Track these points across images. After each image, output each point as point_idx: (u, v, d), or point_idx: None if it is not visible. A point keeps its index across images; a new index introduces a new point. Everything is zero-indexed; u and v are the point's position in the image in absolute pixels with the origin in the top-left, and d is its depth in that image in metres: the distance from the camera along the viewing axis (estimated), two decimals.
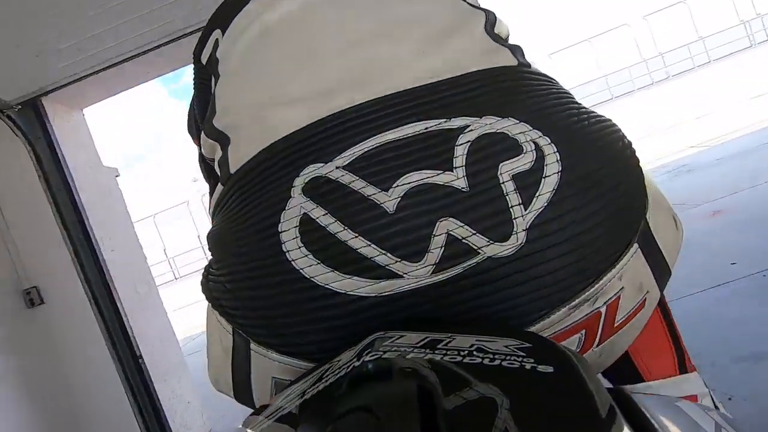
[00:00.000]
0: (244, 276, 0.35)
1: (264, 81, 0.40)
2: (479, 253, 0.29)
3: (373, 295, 0.30)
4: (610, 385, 0.37)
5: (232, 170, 0.38)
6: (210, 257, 0.41)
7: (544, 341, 0.28)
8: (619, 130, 0.37)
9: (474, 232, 0.29)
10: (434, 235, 0.29)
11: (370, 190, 0.30)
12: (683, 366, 0.46)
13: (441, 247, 0.29)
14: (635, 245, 0.34)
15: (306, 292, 0.31)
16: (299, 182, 0.32)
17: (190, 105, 0.56)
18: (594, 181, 0.32)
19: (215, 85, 0.44)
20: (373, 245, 0.30)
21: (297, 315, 0.32)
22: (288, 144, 0.34)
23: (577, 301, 0.31)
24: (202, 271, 0.43)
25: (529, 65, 0.40)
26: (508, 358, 0.24)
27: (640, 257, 0.34)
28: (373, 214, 0.30)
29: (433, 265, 0.29)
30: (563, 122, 0.34)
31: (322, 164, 0.32)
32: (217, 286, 0.37)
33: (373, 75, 0.35)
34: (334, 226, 0.30)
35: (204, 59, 0.48)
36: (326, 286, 0.30)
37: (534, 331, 0.31)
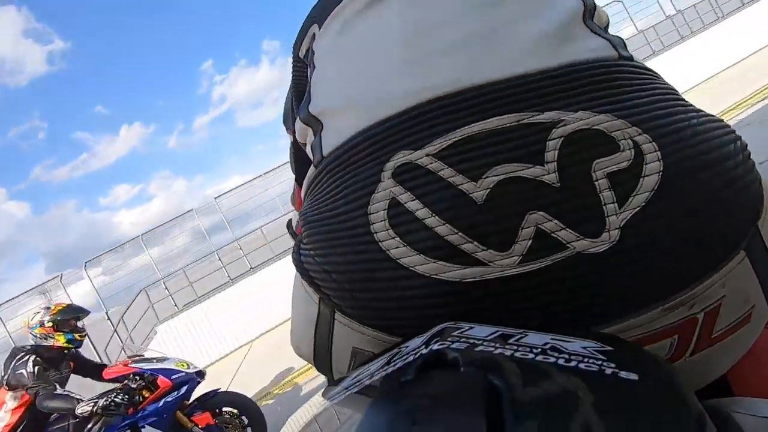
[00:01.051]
0: (333, 252, 0.37)
1: (359, 67, 0.41)
2: (568, 247, 0.29)
3: (457, 280, 0.31)
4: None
5: (325, 153, 0.39)
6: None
7: (629, 345, 0.26)
8: (733, 131, 0.34)
9: (563, 226, 0.29)
10: (522, 227, 0.30)
11: (458, 179, 0.31)
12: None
13: (529, 239, 0.30)
14: (742, 252, 0.31)
15: (391, 272, 0.33)
16: (390, 167, 0.34)
17: (287, 98, 0.60)
18: (698, 183, 0.30)
19: (311, 75, 0.46)
20: (460, 233, 0.31)
21: (381, 291, 0.34)
22: (381, 129, 0.35)
23: (671, 303, 0.30)
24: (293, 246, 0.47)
25: (630, 58, 0.37)
26: (585, 360, 0.23)
27: (746, 266, 0.31)
28: (461, 202, 0.31)
29: (520, 255, 0.30)
30: (666, 119, 0.32)
31: (412, 151, 0.33)
32: (308, 259, 0.40)
33: (465, 64, 0.35)
34: (422, 212, 0.32)
35: (302, 53, 0.51)
36: (411, 268, 0.32)
37: (618, 330, 0.30)
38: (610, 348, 0.24)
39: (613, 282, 0.29)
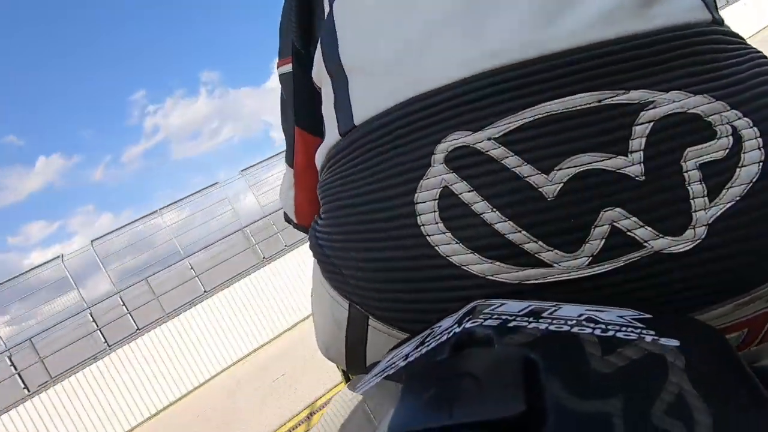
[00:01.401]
0: (369, 245, 0.32)
1: (403, 18, 0.33)
2: (644, 246, 0.26)
3: (516, 282, 0.28)
4: None
5: (357, 121, 0.33)
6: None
7: (669, 313, 0.25)
8: None
9: (642, 224, 0.26)
10: (596, 226, 0.26)
11: (526, 170, 0.27)
12: None
13: (602, 238, 0.26)
14: None
15: (439, 270, 0.29)
16: (442, 149, 0.29)
17: (287, 8, 0.48)
18: None
19: (334, 8, 0.38)
20: (523, 232, 0.27)
21: (426, 292, 0.30)
22: (430, 102, 0.30)
23: (747, 298, 0.27)
24: (313, 226, 0.41)
25: (722, 21, 0.32)
26: (623, 329, 0.22)
27: None
28: (528, 197, 0.27)
29: (589, 257, 0.27)
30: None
31: (470, 132, 0.28)
32: (335, 252, 0.36)
33: (532, 26, 0.29)
34: (480, 206, 0.28)
35: None
36: (464, 267, 0.28)
37: None
38: (648, 315, 0.23)
39: (690, 281, 0.27)
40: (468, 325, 0.25)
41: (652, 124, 0.26)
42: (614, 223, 0.26)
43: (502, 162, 0.27)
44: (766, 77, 0.29)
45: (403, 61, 0.32)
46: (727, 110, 0.27)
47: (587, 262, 0.27)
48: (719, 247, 0.26)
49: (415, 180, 0.29)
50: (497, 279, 0.28)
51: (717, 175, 0.26)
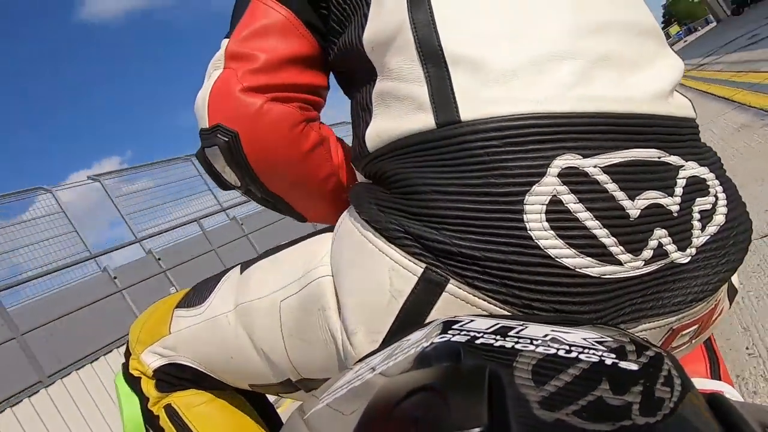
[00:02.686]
0: (470, 228, 0.36)
1: (517, 19, 0.39)
2: (669, 256, 0.38)
3: (596, 276, 0.36)
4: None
5: (463, 117, 0.37)
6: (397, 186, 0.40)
7: (631, 337, 0.26)
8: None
9: (672, 242, 0.38)
10: (650, 240, 0.37)
11: (620, 195, 0.36)
12: (717, 375, 0.58)
13: (652, 249, 0.37)
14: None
15: (535, 258, 0.35)
16: (557, 164, 0.35)
17: None
18: (738, 229, 0.42)
19: None
20: (612, 238, 0.36)
21: (517, 273, 0.36)
22: (550, 123, 0.36)
23: (711, 298, 0.40)
24: (371, 203, 0.42)
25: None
26: (586, 350, 0.23)
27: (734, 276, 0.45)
28: (619, 214, 0.36)
29: (644, 260, 0.37)
30: (726, 177, 0.43)
31: (580, 157, 0.36)
32: (423, 229, 0.38)
33: (625, 86, 0.39)
34: (584, 215, 0.35)
35: None
36: (558, 259, 0.35)
37: (682, 317, 0.39)
38: (609, 339, 0.24)
39: (687, 283, 0.39)
40: (436, 339, 0.25)
41: (684, 180, 0.39)
42: (660, 239, 0.37)
43: (605, 186, 0.36)
44: (719, 161, 0.43)
45: (521, 77, 0.37)
46: (714, 179, 0.41)
47: (642, 264, 0.37)
48: (702, 261, 0.39)
49: (528, 184, 0.35)
50: (584, 272, 0.36)
51: (706, 217, 0.40)
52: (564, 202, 0.35)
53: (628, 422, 0.18)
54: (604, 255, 0.36)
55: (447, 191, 0.37)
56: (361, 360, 0.31)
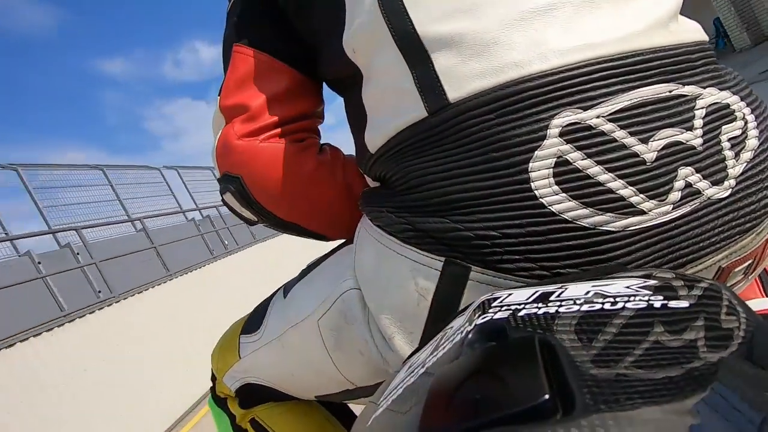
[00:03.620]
0: (480, 209, 0.36)
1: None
2: (703, 194, 0.35)
3: (619, 230, 0.34)
4: None
5: (452, 98, 0.36)
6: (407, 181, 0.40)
7: (679, 275, 0.26)
8: None
9: (702, 178, 0.35)
10: (676, 180, 0.35)
11: (631, 141, 0.34)
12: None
13: (680, 190, 0.35)
14: None
15: (553, 225, 0.34)
16: (557, 124, 0.34)
17: None
18: None
19: None
20: (630, 188, 0.34)
21: (537, 244, 0.35)
22: (539, 83, 0.34)
23: (760, 229, 0.38)
24: (375, 206, 0.42)
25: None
26: (632, 298, 0.22)
27: None
28: (634, 161, 0.34)
29: (672, 204, 0.35)
30: (753, 96, 0.40)
31: (581, 110, 0.34)
32: (432, 221, 0.38)
33: (619, 25, 0.36)
34: (595, 170, 0.34)
35: None
36: (575, 221, 0.34)
37: (729, 254, 0.37)
38: (654, 282, 0.23)
39: (731, 215, 0.36)
40: (479, 321, 0.25)
41: (704, 110, 0.36)
42: (686, 179, 0.35)
43: (612, 135, 0.34)
44: (744, 81, 0.41)
45: (499, 44, 0.36)
46: (739, 102, 0.38)
47: (671, 209, 0.35)
48: (743, 191, 0.36)
49: (529, 151, 0.34)
50: (606, 228, 0.34)
51: (737, 144, 0.37)
52: (571, 160, 0.34)
53: (696, 361, 0.18)
54: (624, 207, 0.34)
55: (450, 176, 0.37)
56: (408, 359, 0.31)
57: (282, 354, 0.56)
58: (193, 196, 9.95)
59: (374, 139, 0.43)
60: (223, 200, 0.56)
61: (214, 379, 0.69)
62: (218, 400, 0.69)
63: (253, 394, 0.64)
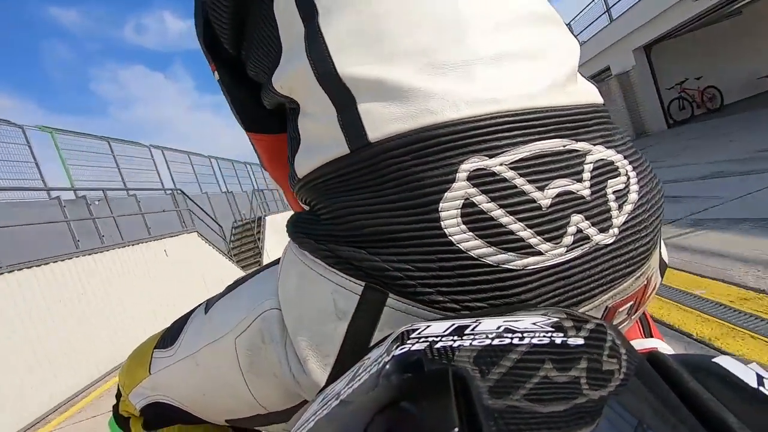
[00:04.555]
0: (395, 244, 0.38)
1: (405, 38, 0.40)
2: (591, 240, 0.39)
3: (520, 268, 0.37)
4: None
5: (372, 138, 0.39)
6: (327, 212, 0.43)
7: (576, 315, 0.28)
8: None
9: (591, 225, 0.39)
10: (569, 225, 0.38)
11: (529, 188, 0.37)
12: (649, 333, 0.62)
13: (572, 234, 0.38)
14: (659, 242, 0.46)
15: (461, 261, 0.37)
16: (465, 169, 0.37)
17: (202, 6, 0.52)
18: (651, 199, 0.44)
19: (318, 16, 0.42)
20: (528, 230, 0.37)
21: (448, 278, 0.37)
22: (451, 131, 0.37)
23: (639, 274, 0.42)
24: (301, 233, 0.45)
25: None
26: (537, 334, 0.24)
27: (658, 249, 0.46)
28: (531, 206, 0.37)
29: (566, 247, 0.38)
30: (636, 156, 0.45)
31: (486, 158, 0.37)
32: (353, 250, 0.40)
33: (521, 82, 0.40)
34: (497, 212, 0.37)
35: None
36: (481, 259, 0.36)
37: (612, 296, 0.40)
38: (556, 319, 0.25)
39: (616, 261, 0.40)
40: (397, 352, 0.25)
41: (592, 164, 0.41)
42: (577, 225, 0.39)
43: (513, 182, 0.37)
44: (631, 144, 0.46)
45: (416, 91, 0.39)
46: (623, 159, 0.43)
47: (565, 251, 0.38)
48: (624, 239, 0.40)
49: (440, 192, 0.37)
50: (508, 266, 0.37)
51: (621, 197, 0.41)
52: (476, 203, 0.37)
53: (588, 395, 0.19)
54: (524, 248, 0.37)
55: (369, 210, 0.39)
56: (322, 390, 0.31)
57: (195, 372, 0.55)
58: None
59: (301, 167, 0.45)
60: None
61: (119, 396, 0.66)
62: (120, 420, 0.66)
63: (159, 416, 0.61)
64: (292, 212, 0.59)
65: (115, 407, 0.67)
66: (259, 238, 12.05)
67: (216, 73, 0.56)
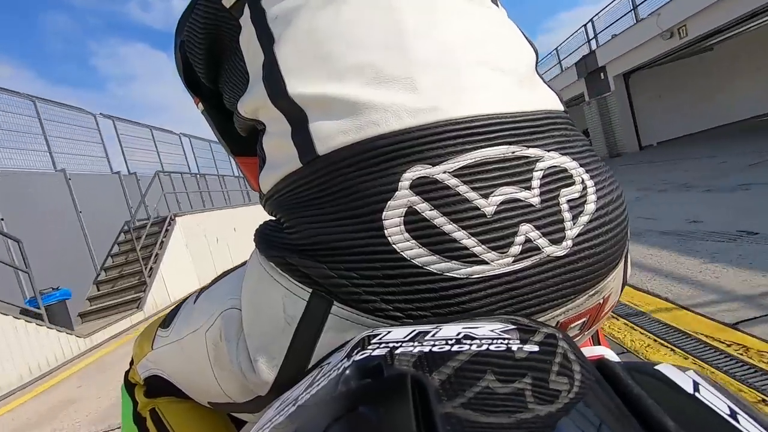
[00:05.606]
0: (341, 252, 0.38)
1: (349, 56, 0.41)
2: (543, 251, 0.38)
3: (464, 277, 0.36)
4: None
5: (320, 151, 0.40)
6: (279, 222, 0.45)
7: (531, 323, 0.29)
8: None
9: (541, 236, 0.38)
10: (517, 235, 0.37)
11: (472, 196, 0.37)
12: (597, 341, 0.65)
13: (520, 244, 0.37)
14: (623, 259, 0.44)
15: (404, 269, 0.36)
16: (407, 177, 0.37)
17: (180, 48, 0.56)
18: (613, 212, 0.43)
19: (275, 44, 0.45)
20: (472, 238, 0.36)
21: (392, 287, 0.37)
22: (393, 141, 0.38)
23: (593, 291, 0.41)
24: (261, 239, 0.46)
25: (567, 111, 0.48)
26: (494, 341, 0.25)
27: (621, 268, 0.45)
28: (475, 214, 0.37)
29: (513, 257, 0.37)
30: (596, 165, 0.44)
31: (429, 166, 0.37)
32: (304, 260, 0.40)
33: (469, 92, 0.40)
34: (440, 220, 0.36)
35: (229, 3, 0.48)
36: (425, 267, 0.36)
37: (563, 311, 0.39)
38: (513, 327, 0.26)
39: (569, 275, 0.39)
40: (357, 357, 0.25)
41: (542, 172, 0.39)
42: (526, 234, 0.37)
43: (456, 189, 0.37)
44: (591, 152, 0.45)
45: (360, 105, 0.40)
46: (578, 167, 0.41)
47: (512, 261, 0.37)
48: (578, 253, 0.39)
49: (382, 201, 0.37)
50: (451, 275, 0.36)
51: (576, 207, 0.40)
52: (419, 211, 0.36)
53: (539, 400, 0.20)
54: (468, 256, 0.36)
55: (318, 221, 0.40)
56: (279, 396, 0.30)
57: (181, 356, 0.58)
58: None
59: (264, 183, 0.47)
60: None
61: (131, 363, 0.71)
62: (128, 385, 0.72)
63: (157, 387, 0.65)
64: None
65: (126, 373, 0.72)
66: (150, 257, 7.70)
67: (199, 105, 0.61)
